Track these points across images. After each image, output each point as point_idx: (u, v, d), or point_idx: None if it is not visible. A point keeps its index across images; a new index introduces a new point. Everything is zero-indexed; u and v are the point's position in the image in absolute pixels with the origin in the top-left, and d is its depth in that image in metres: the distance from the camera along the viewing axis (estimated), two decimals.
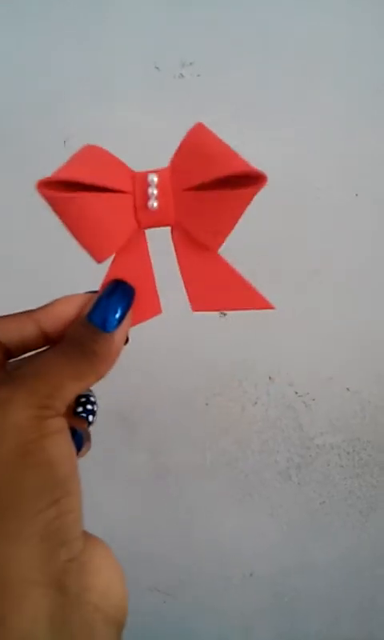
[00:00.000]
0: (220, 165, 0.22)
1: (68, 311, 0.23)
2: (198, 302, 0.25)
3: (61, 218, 0.23)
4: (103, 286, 0.24)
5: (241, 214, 0.23)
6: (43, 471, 0.19)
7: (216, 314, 0.59)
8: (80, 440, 0.24)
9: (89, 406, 0.27)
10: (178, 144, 0.24)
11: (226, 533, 0.66)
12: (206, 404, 0.61)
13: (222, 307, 0.26)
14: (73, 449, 0.22)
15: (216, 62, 0.52)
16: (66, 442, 0.21)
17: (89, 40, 0.53)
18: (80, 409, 0.26)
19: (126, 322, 0.23)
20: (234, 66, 0.52)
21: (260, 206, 0.23)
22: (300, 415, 0.60)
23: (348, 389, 0.59)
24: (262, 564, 0.67)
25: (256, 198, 0.22)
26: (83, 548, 0.20)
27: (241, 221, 0.23)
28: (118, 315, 0.23)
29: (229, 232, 0.23)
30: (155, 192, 0.23)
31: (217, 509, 0.65)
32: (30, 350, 0.24)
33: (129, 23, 0.52)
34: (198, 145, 0.23)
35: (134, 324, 0.25)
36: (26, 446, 0.19)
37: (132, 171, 0.24)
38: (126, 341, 0.25)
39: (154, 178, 0.23)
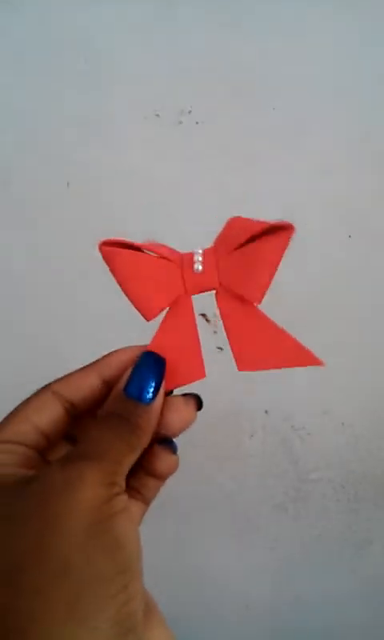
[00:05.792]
0: (254, 227, 0.24)
1: (126, 361, 0.26)
2: (244, 362, 0.26)
3: (115, 274, 0.25)
4: (147, 348, 0.26)
5: (278, 262, 0.25)
6: (113, 554, 0.20)
7: (213, 347, 0.60)
8: (174, 446, 0.27)
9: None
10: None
11: (223, 566, 0.66)
12: (203, 438, 0.62)
13: (269, 366, 0.26)
14: (137, 526, 0.22)
15: (213, 110, 0.54)
16: (130, 520, 0.21)
17: (91, 87, 0.55)
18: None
19: (160, 391, 0.25)
20: (230, 114, 0.54)
21: None
22: (295, 449, 0.61)
23: (343, 423, 0.60)
24: (258, 597, 0.67)
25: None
26: (144, 627, 0.21)
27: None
28: (152, 387, 0.24)
29: (269, 282, 0.25)
30: (200, 258, 0.26)
31: (213, 542, 0.65)
32: (95, 401, 0.26)
33: (130, 72, 0.55)
34: (235, 227, 0.26)
35: (178, 386, 0.26)
36: (96, 527, 0.19)
37: (180, 252, 0.27)
38: (170, 392, 0.27)
39: (199, 250, 0.26)
